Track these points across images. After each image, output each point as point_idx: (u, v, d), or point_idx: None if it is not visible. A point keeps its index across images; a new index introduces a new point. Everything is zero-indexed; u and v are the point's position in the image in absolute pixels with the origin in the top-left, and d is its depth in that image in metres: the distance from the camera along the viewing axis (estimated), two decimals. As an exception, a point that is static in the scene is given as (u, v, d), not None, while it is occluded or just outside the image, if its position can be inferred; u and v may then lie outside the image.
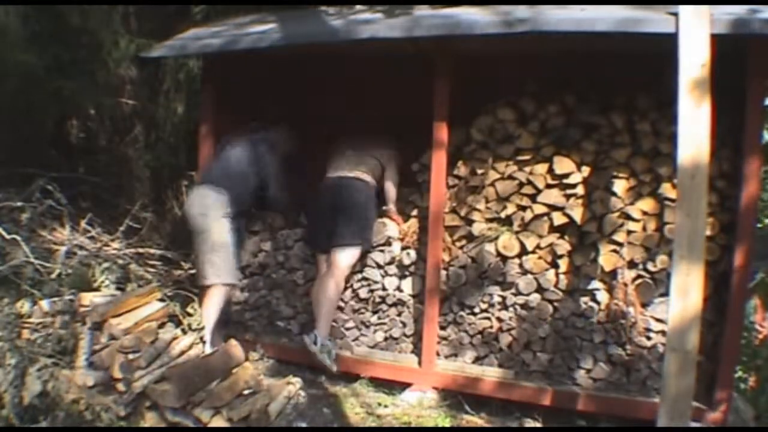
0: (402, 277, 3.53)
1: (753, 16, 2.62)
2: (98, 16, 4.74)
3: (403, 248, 3.51)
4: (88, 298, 3.34)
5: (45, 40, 4.55)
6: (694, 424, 2.69)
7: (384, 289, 3.55)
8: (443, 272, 3.37)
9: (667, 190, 2.98)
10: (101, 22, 4.75)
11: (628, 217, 3.05)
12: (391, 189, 3.66)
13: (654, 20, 2.67)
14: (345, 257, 3.47)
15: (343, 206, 3.54)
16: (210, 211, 3.47)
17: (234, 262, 3.54)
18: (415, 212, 3.58)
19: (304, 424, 2.96)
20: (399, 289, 3.54)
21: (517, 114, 3.35)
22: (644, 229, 3.05)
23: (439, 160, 3.27)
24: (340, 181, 3.63)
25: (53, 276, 3.58)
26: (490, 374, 3.29)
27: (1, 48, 4.28)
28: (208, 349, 3.42)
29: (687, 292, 2.50)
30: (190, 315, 3.94)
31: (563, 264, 3.20)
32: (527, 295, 3.24)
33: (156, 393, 2.83)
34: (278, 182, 3.66)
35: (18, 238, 3.61)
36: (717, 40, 2.54)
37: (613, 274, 3.08)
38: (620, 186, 3.08)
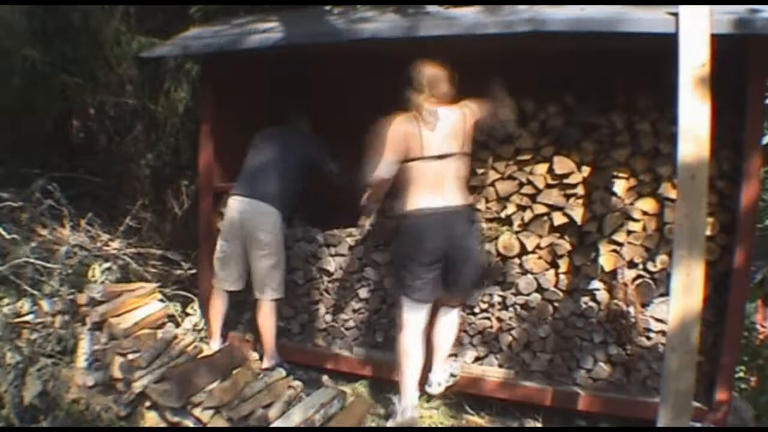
0: (402, 277, 3.52)
1: (754, 15, 2.62)
2: (99, 15, 4.74)
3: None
4: (87, 296, 3.34)
5: (50, 37, 4.56)
6: (694, 424, 2.69)
7: (384, 289, 3.54)
8: (443, 272, 3.37)
9: (667, 190, 2.98)
10: (102, 21, 4.75)
11: (629, 217, 3.05)
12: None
13: (654, 20, 2.67)
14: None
15: (462, 248, 2.95)
16: (270, 227, 3.44)
17: (283, 276, 3.56)
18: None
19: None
20: (399, 289, 3.53)
21: (517, 114, 3.34)
22: (644, 229, 3.05)
23: (439, 160, 3.26)
24: (447, 214, 2.91)
25: (53, 276, 3.58)
26: (491, 374, 3.29)
27: (7, 44, 4.28)
28: (266, 365, 3.44)
29: (687, 291, 2.50)
30: (189, 315, 3.95)
31: (563, 264, 3.20)
32: (527, 295, 3.24)
33: (156, 393, 2.83)
34: (327, 158, 3.61)
35: (18, 238, 3.61)
36: (717, 40, 2.54)
37: (613, 274, 3.08)
38: (620, 186, 3.08)
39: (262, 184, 3.49)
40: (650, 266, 3.04)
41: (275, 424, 2.73)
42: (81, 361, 3.16)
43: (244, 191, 3.51)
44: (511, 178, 3.28)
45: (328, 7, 3.92)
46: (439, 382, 3.18)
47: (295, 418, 2.74)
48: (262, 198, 3.46)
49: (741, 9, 2.68)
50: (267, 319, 3.50)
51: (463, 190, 3.01)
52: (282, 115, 3.81)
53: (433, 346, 3.15)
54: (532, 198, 3.22)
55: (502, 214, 3.29)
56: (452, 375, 3.21)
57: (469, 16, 3.10)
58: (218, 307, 3.65)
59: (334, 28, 3.42)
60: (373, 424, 3.07)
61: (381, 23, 3.26)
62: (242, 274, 3.58)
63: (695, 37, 2.55)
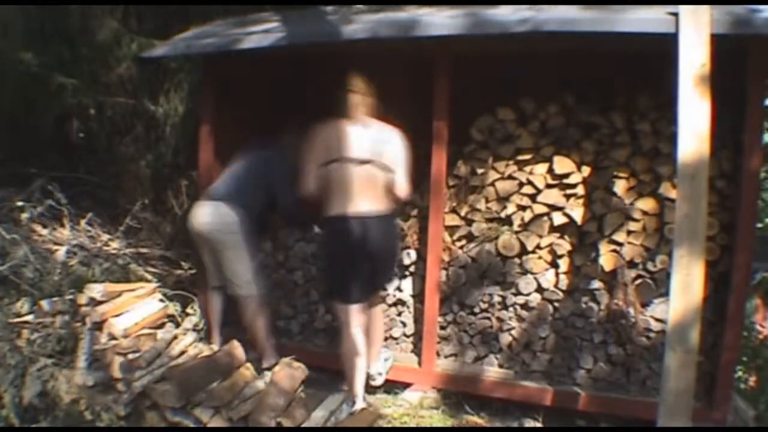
0: (402, 277, 3.53)
1: (754, 15, 2.62)
2: (98, 15, 4.74)
3: (403, 248, 3.51)
4: (87, 296, 3.33)
5: (46, 39, 4.55)
6: (694, 424, 2.68)
7: (384, 289, 3.54)
8: (443, 272, 3.37)
9: (667, 190, 2.98)
10: (101, 22, 4.74)
11: (628, 217, 3.05)
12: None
13: (654, 20, 2.67)
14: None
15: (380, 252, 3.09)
16: (224, 227, 3.46)
17: (253, 273, 3.54)
18: (415, 212, 3.57)
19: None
20: (399, 289, 3.54)
21: (517, 114, 3.35)
22: (644, 229, 3.05)
23: (439, 160, 3.27)
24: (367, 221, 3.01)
25: (53, 276, 3.57)
26: (491, 374, 3.29)
27: (2, 46, 4.27)
28: (266, 364, 3.45)
29: (687, 291, 2.50)
30: (189, 315, 3.95)
31: (563, 264, 3.20)
32: (527, 295, 3.24)
33: (156, 393, 2.83)
34: (289, 194, 3.51)
35: (18, 238, 3.61)
36: (717, 40, 2.54)
37: (613, 274, 3.08)
38: (620, 186, 3.08)
39: (223, 187, 3.56)
40: (650, 266, 3.04)
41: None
42: (81, 361, 3.15)
43: (204, 196, 3.61)
44: (511, 178, 3.28)
45: (324, 8, 3.92)
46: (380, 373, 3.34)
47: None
48: (218, 198, 3.51)
49: (741, 9, 2.68)
50: (254, 317, 3.52)
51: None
52: (277, 126, 3.81)
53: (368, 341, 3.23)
54: (532, 198, 3.22)
55: (502, 214, 3.29)
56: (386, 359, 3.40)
57: (469, 15, 3.10)
58: (213, 304, 3.70)
59: (333, 27, 3.42)
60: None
61: (381, 24, 3.26)
62: (219, 271, 3.62)
63: (695, 37, 2.55)
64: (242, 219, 3.49)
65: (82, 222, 4.16)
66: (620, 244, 3.07)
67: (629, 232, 3.06)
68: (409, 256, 3.48)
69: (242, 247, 3.50)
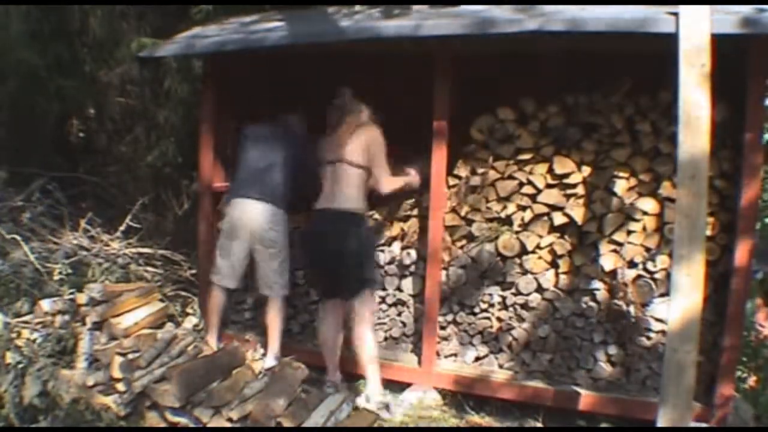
0: (402, 277, 3.53)
1: (755, 15, 2.62)
2: (98, 15, 4.75)
3: (403, 248, 3.51)
4: (87, 296, 3.34)
5: (46, 39, 4.56)
6: (694, 424, 2.69)
7: (384, 289, 3.54)
8: (443, 272, 3.37)
9: (667, 189, 2.99)
10: (101, 22, 4.75)
11: (629, 217, 3.06)
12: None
13: (654, 20, 2.67)
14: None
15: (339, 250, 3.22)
16: (278, 226, 3.43)
17: (288, 275, 3.56)
18: (415, 212, 3.57)
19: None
20: (399, 289, 3.54)
21: (517, 114, 3.35)
22: (644, 229, 3.05)
23: (439, 160, 3.27)
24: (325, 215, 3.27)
25: (53, 276, 3.58)
26: (491, 374, 3.29)
27: (2, 47, 4.28)
28: (269, 364, 3.42)
29: (688, 291, 2.50)
30: (189, 315, 3.95)
31: (563, 264, 3.20)
32: (527, 295, 3.24)
33: (156, 393, 2.84)
34: (309, 169, 3.49)
35: (18, 238, 3.62)
36: (718, 40, 2.54)
37: (613, 274, 3.08)
38: (620, 186, 3.08)
39: (267, 185, 3.43)
40: (650, 266, 3.04)
41: None
42: (81, 361, 3.16)
43: (250, 193, 3.44)
44: (511, 177, 3.28)
45: (326, 7, 3.91)
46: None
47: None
48: (269, 199, 3.41)
49: (741, 9, 2.68)
50: (276, 317, 3.49)
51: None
52: (275, 113, 3.74)
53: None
54: (532, 198, 3.22)
55: (502, 214, 3.29)
56: None
57: (470, 15, 3.09)
58: (217, 303, 3.62)
59: (336, 27, 3.42)
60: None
61: (384, 23, 3.26)
62: (241, 273, 3.54)
63: (696, 37, 2.54)
64: (287, 219, 3.48)
65: (82, 222, 4.16)
66: (620, 244, 3.07)
67: (629, 232, 3.06)
68: (409, 256, 3.48)
69: (286, 248, 3.49)
